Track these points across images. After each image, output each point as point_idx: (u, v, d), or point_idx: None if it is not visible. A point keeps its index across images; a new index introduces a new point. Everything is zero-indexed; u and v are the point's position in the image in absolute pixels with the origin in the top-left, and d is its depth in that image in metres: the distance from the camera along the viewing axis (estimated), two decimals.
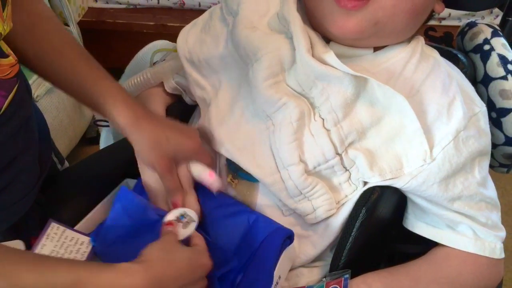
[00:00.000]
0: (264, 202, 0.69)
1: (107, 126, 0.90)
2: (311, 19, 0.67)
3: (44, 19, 0.69)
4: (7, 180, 0.68)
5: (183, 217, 0.60)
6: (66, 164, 0.92)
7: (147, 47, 0.92)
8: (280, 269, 0.63)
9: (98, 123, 0.92)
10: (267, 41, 0.67)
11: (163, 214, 0.65)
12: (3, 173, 0.67)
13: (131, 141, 0.67)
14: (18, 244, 0.63)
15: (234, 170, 0.71)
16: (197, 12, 1.83)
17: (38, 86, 1.37)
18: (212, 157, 0.71)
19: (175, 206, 0.68)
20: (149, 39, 1.83)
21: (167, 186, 0.68)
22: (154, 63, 0.89)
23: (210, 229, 0.66)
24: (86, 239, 0.68)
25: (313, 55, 0.64)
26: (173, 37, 1.01)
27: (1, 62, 0.62)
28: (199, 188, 0.70)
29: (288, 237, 0.64)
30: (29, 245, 0.65)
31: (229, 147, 0.69)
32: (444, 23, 1.75)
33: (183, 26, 1.26)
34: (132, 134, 0.66)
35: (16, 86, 0.65)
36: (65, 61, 0.68)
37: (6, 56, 0.63)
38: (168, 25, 1.81)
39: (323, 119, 0.65)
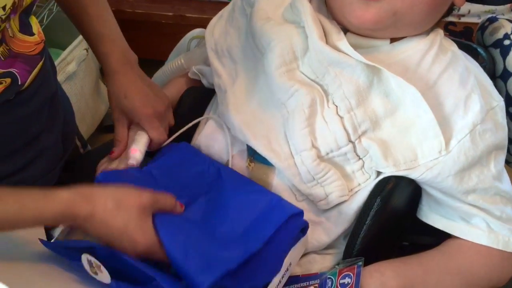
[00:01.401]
0: (279, 186, 0.70)
1: None
2: (329, 8, 0.68)
3: None
4: (31, 156, 0.71)
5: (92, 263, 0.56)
6: (89, 147, 0.94)
7: (186, 35, 0.98)
8: (292, 256, 0.64)
9: None
10: (280, 30, 0.69)
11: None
12: (27, 148, 0.70)
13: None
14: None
15: (251, 154, 0.72)
16: (215, 3, 1.84)
17: (58, 72, 1.39)
18: (162, 133, 0.75)
19: (112, 156, 0.75)
20: (167, 30, 1.86)
21: (115, 135, 0.75)
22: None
23: (225, 203, 0.66)
24: None
25: (327, 43, 0.65)
26: (191, 28, 1.03)
27: (27, 39, 0.65)
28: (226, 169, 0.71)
29: (303, 228, 0.65)
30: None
31: (246, 133, 0.70)
32: (463, 19, 1.73)
33: (201, 17, 1.27)
34: (107, 82, 0.76)
35: (41, 63, 0.68)
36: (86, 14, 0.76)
37: (33, 34, 0.66)
38: (186, 16, 1.81)
39: (336, 106, 0.66)
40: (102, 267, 0.54)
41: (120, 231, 0.56)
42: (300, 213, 0.65)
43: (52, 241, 0.63)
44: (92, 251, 0.57)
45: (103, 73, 0.77)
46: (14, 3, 0.58)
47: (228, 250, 0.59)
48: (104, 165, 0.75)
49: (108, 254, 0.57)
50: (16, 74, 0.64)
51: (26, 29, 0.65)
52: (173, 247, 0.57)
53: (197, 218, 0.65)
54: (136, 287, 0.56)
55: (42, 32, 0.69)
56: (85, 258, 0.54)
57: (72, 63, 1.41)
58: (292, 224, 0.64)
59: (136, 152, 0.72)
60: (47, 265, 0.58)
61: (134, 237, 0.57)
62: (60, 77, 1.40)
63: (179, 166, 0.72)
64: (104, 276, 0.54)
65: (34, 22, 0.68)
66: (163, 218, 0.60)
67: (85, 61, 1.48)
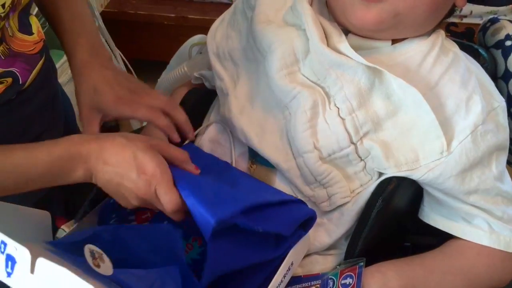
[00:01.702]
0: (281, 187, 0.70)
1: None
2: (331, 10, 0.68)
3: None
4: None
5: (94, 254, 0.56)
6: None
7: (187, 42, 0.96)
8: (294, 255, 0.64)
9: None
10: (281, 33, 0.69)
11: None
12: None
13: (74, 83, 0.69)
14: (45, 215, 0.65)
15: (253, 156, 0.72)
16: (217, 4, 1.85)
17: (61, 74, 1.40)
18: (149, 111, 0.69)
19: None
20: (169, 31, 1.86)
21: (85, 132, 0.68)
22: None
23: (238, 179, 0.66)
24: None
25: (328, 45, 0.65)
26: (193, 29, 1.03)
27: (26, 39, 0.65)
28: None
29: (308, 222, 0.65)
30: (54, 226, 0.67)
31: (248, 135, 0.70)
32: (465, 20, 1.74)
33: (203, 19, 1.28)
34: (74, 77, 0.69)
35: (41, 62, 0.68)
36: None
37: (32, 33, 0.67)
38: (188, 17, 1.82)
39: (338, 108, 0.66)
40: (104, 256, 0.54)
41: (129, 161, 0.55)
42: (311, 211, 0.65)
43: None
44: (96, 238, 0.56)
45: (72, 72, 0.70)
46: (13, 1, 0.59)
47: (243, 195, 0.59)
48: None
49: (113, 237, 0.56)
50: (17, 73, 0.64)
51: (25, 28, 0.66)
52: (184, 182, 0.57)
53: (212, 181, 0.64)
54: (139, 270, 0.55)
55: (42, 32, 0.70)
56: (87, 249, 0.54)
57: None
58: (302, 209, 0.64)
59: None
60: None
61: (143, 163, 0.56)
62: (62, 79, 1.41)
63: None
64: (106, 266, 0.54)
65: (34, 21, 0.68)
66: (177, 170, 0.60)
67: None
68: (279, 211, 0.61)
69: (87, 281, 0.46)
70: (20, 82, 0.65)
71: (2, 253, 0.48)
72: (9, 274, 0.47)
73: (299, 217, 0.63)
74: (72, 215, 0.71)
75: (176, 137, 0.72)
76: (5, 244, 0.47)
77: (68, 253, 0.57)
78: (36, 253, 0.46)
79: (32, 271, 0.46)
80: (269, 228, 0.59)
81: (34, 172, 0.54)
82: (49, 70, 0.75)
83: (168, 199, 0.56)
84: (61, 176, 0.56)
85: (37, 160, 0.53)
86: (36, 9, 0.74)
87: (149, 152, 0.57)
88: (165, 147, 0.60)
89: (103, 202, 0.70)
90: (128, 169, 0.55)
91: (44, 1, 0.73)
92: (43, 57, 0.70)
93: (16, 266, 0.47)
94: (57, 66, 1.34)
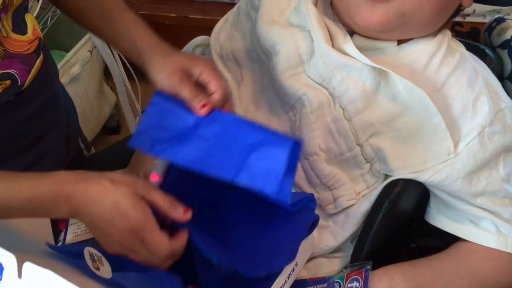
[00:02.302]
0: None
1: None
2: (336, 10, 0.68)
3: None
4: (33, 158, 0.71)
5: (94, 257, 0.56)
6: (93, 150, 0.94)
7: (190, 42, 0.95)
8: (298, 256, 0.63)
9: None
10: (285, 34, 0.69)
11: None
12: (29, 150, 0.70)
13: (148, 64, 0.66)
14: (44, 221, 0.65)
15: None
16: (219, 4, 1.84)
17: (63, 74, 1.39)
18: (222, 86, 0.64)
19: (203, 107, 0.62)
20: (170, 31, 1.85)
21: (184, 95, 0.63)
22: None
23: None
24: None
25: (333, 46, 0.65)
26: (194, 29, 1.03)
27: (21, 39, 0.65)
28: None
29: (313, 223, 0.64)
30: (57, 229, 0.67)
31: None
32: (468, 19, 1.73)
33: (204, 18, 1.26)
34: (149, 57, 0.66)
35: (39, 62, 0.68)
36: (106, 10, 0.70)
37: (25, 32, 0.66)
38: (190, 17, 1.82)
39: (343, 109, 0.65)
40: (103, 259, 0.54)
41: (112, 208, 0.55)
42: (313, 199, 0.63)
43: (58, 245, 0.63)
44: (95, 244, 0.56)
45: (141, 64, 0.67)
46: (3, 2, 0.58)
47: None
48: None
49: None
50: (15, 75, 0.64)
51: (19, 28, 0.65)
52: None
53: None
54: (138, 274, 0.55)
55: (38, 29, 0.68)
56: (87, 251, 0.54)
57: (76, 65, 1.41)
58: (305, 214, 0.62)
59: (156, 179, 0.68)
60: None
61: (125, 210, 0.55)
62: (64, 79, 1.41)
63: None
64: (105, 269, 0.54)
65: (29, 19, 0.67)
66: None
67: (89, 63, 1.49)
68: (282, 233, 0.60)
69: (86, 284, 0.46)
70: (19, 83, 0.64)
71: None
72: None
73: (302, 232, 0.62)
74: None
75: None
76: None
77: (70, 256, 0.57)
78: (23, 258, 0.46)
79: (19, 276, 0.46)
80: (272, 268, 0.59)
81: (14, 206, 0.53)
82: (49, 71, 0.74)
83: (154, 246, 0.55)
84: (44, 213, 0.56)
85: (19, 194, 0.52)
86: (37, 10, 0.73)
87: (132, 198, 0.55)
88: (150, 193, 0.58)
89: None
90: (111, 215, 0.55)
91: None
92: (41, 56, 0.68)
93: (4, 272, 0.46)
94: (58, 66, 1.33)
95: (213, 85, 0.63)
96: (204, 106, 0.62)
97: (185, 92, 0.62)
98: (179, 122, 0.63)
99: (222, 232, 0.62)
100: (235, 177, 0.58)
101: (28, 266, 0.46)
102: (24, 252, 0.50)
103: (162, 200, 0.58)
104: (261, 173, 0.56)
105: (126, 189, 0.55)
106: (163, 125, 0.63)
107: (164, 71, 0.64)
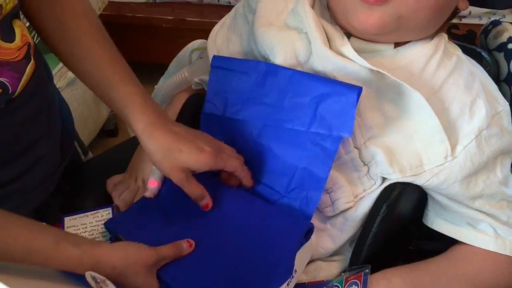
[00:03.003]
0: None
1: None
2: (333, 13, 0.68)
3: (78, 16, 0.70)
4: (27, 164, 0.70)
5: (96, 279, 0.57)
6: (90, 155, 0.94)
7: (187, 46, 0.95)
8: (297, 263, 0.63)
9: None
10: (282, 36, 0.68)
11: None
12: (23, 155, 0.69)
13: (145, 149, 0.66)
14: None
15: None
16: (216, 7, 1.84)
17: (59, 78, 1.39)
18: (236, 160, 0.67)
19: (206, 208, 0.67)
20: (167, 34, 1.85)
21: (189, 194, 0.66)
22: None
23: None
24: (106, 211, 0.71)
25: (330, 48, 0.64)
26: (191, 32, 1.03)
27: (9, 46, 0.64)
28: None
29: (308, 230, 0.64)
30: None
31: None
32: (464, 21, 1.73)
33: (201, 21, 1.25)
34: (145, 142, 0.65)
35: (31, 68, 0.67)
36: (90, 61, 0.68)
37: (13, 40, 0.65)
38: (186, 20, 1.81)
39: None
40: (107, 281, 0.54)
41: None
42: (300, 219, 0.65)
43: None
44: None
45: (132, 127, 0.66)
46: None
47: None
48: (114, 182, 0.74)
49: None
50: (6, 83, 0.63)
51: (7, 36, 0.64)
52: None
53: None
54: None
55: (27, 35, 0.67)
56: (89, 275, 0.55)
57: None
58: (296, 225, 0.63)
59: (154, 185, 0.70)
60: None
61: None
62: (61, 83, 1.40)
63: None
64: None
65: (17, 25, 0.66)
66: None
67: None
68: (275, 252, 0.62)
69: None
70: (10, 91, 0.64)
71: None
72: None
73: (297, 239, 0.63)
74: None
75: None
76: None
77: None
78: None
79: None
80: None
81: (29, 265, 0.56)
82: (42, 76, 0.72)
83: None
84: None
85: (32, 260, 0.55)
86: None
87: (147, 279, 0.59)
88: (160, 259, 0.61)
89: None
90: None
91: (66, 56, 0.71)
92: (31, 61, 0.68)
93: None
94: (55, 70, 1.34)
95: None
96: (206, 207, 0.67)
97: (187, 191, 0.65)
98: (242, 83, 0.69)
99: (217, 245, 0.64)
100: (310, 128, 0.64)
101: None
102: None
103: (172, 254, 0.62)
104: (334, 118, 0.62)
105: (140, 271, 0.59)
106: (229, 89, 0.70)
107: (160, 158, 0.64)
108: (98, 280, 0.54)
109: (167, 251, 0.61)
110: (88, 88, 0.71)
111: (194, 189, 0.65)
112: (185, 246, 0.63)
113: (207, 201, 0.67)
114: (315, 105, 0.64)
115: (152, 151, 0.65)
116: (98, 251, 0.57)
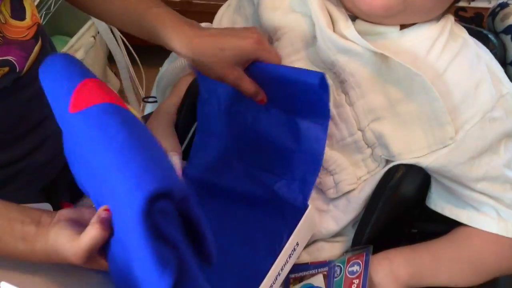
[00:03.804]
0: None
1: (155, 102, 0.93)
2: None
3: None
4: (36, 141, 0.71)
5: None
6: None
7: None
8: (298, 235, 0.64)
9: (145, 99, 0.96)
10: (287, 19, 0.69)
11: None
12: (32, 133, 0.70)
13: (192, 63, 0.67)
14: (46, 207, 0.65)
15: None
16: None
17: None
18: (277, 54, 0.67)
19: (262, 102, 0.68)
20: None
21: (246, 92, 0.66)
22: None
23: None
24: None
25: (334, 31, 0.65)
26: (198, 14, 1.02)
27: (19, 25, 0.64)
28: None
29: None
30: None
31: None
32: (473, 4, 1.71)
33: (208, 4, 1.24)
34: (189, 54, 0.65)
35: (38, 48, 0.67)
36: None
37: (23, 18, 0.65)
38: (193, 2, 1.80)
39: (345, 95, 0.66)
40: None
41: None
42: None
43: None
44: None
45: (169, 46, 0.66)
46: None
47: None
48: None
49: None
50: (14, 62, 0.63)
51: (18, 14, 0.64)
52: None
53: None
54: None
55: (36, 15, 0.68)
56: None
57: (80, 50, 1.41)
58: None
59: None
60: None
61: None
62: None
63: None
64: None
65: (28, 4, 0.66)
66: None
67: (93, 48, 1.48)
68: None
69: None
70: (17, 70, 0.64)
71: None
72: None
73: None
74: (78, 199, 0.72)
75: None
76: None
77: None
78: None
79: None
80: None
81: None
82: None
83: None
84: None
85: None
86: None
87: None
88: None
89: None
90: None
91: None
92: (39, 42, 0.68)
93: None
94: (61, 52, 1.34)
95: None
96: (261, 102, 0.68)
97: (244, 89, 0.66)
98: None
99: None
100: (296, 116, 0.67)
101: (4, 286, 0.45)
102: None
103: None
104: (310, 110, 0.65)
105: None
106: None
107: (209, 65, 0.65)
108: None
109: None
110: (114, 25, 0.72)
111: (250, 86, 0.66)
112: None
113: (262, 96, 0.67)
114: (293, 96, 0.66)
115: (199, 61, 0.65)
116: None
